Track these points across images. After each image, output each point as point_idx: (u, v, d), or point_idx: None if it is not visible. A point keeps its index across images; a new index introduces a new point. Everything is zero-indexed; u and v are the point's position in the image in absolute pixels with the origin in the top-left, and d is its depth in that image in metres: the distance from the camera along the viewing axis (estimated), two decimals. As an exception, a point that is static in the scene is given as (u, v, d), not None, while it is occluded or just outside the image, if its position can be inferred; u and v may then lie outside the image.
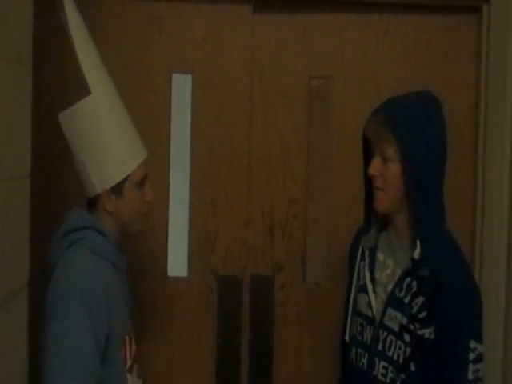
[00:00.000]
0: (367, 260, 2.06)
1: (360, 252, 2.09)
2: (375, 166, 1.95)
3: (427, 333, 1.86)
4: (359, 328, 2.04)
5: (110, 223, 2.03)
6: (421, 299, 1.88)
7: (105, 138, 1.98)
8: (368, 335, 2.00)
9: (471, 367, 1.85)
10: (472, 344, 1.85)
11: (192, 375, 2.65)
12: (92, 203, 2.04)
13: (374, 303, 1.99)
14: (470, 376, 1.85)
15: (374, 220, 2.07)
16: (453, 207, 2.11)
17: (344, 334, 2.14)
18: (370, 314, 2.00)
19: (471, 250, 2.58)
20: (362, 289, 2.06)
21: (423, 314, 1.87)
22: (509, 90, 2.53)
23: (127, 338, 1.99)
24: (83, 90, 1.97)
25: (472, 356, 1.85)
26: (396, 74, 2.62)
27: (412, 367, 1.89)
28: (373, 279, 2.02)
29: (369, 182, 2.03)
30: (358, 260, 2.10)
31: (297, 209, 2.64)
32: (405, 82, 2.58)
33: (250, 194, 2.63)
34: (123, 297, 2.03)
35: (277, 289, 2.63)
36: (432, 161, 1.91)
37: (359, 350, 2.03)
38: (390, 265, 2.00)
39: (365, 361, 2.00)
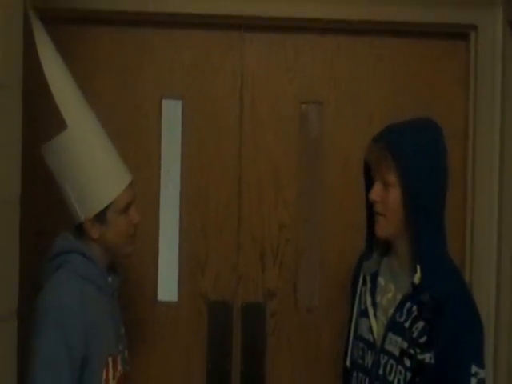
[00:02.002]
0: (368, 285, 2.04)
1: (362, 277, 2.08)
2: (376, 192, 1.94)
3: (428, 357, 1.84)
4: (360, 352, 2.02)
5: (96, 248, 2.03)
6: (421, 324, 1.86)
7: (83, 168, 1.99)
8: (369, 360, 1.98)
9: None
10: (473, 369, 1.83)
11: (182, 401, 2.63)
12: (79, 229, 2.05)
13: (374, 328, 1.98)
14: None
15: (376, 245, 2.06)
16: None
17: (346, 359, 2.12)
18: (371, 339, 1.98)
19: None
20: (364, 313, 2.04)
21: (423, 339, 1.85)
22: (496, 114, 2.56)
23: (110, 359, 1.99)
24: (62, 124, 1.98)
25: (473, 381, 1.83)
26: (386, 99, 2.63)
27: None
28: (374, 304, 2.01)
29: (370, 207, 2.02)
30: (360, 285, 2.09)
31: (288, 234, 2.63)
32: (395, 106, 2.60)
33: (240, 218, 2.62)
34: (109, 318, 2.03)
35: (268, 315, 2.61)
36: (433, 187, 1.91)
37: (360, 375, 2.01)
38: (391, 289, 1.99)
39: None
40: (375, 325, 1.98)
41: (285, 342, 2.62)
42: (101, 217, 1.99)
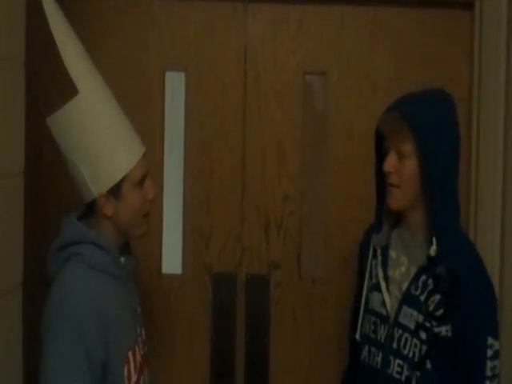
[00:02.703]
0: (379, 258, 2.03)
1: (371, 250, 2.07)
2: (391, 163, 1.92)
3: (444, 330, 1.86)
4: (372, 326, 2.02)
5: (109, 229, 1.90)
6: (437, 297, 1.87)
7: (96, 138, 1.85)
8: (382, 333, 1.98)
9: (489, 364, 1.85)
10: (489, 340, 1.85)
11: (186, 373, 2.64)
12: (89, 209, 1.93)
13: (388, 301, 1.97)
14: (488, 373, 1.84)
15: (386, 217, 2.05)
16: None
17: (353, 332, 2.11)
18: (384, 313, 1.98)
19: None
20: (375, 287, 2.03)
21: (440, 312, 1.86)
22: (501, 84, 2.54)
23: (130, 353, 1.89)
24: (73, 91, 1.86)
25: (490, 353, 1.85)
26: (390, 70, 2.61)
27: (428, 365, 1.88)
28: (386, 277, 2.00)
29: (380, 179, 2.01)
30: (370, 259, 2.07)
31: (292, 206, 2.63)
32: (399, 77, 2.59)
33: (244, 191, 2.62)
34: (127, 306, 1.93)
35: (272, 287, 2.62)
36: (449, 157, 1.91)
37: (372, 349, 2.01)
38: (403, 262, 1.98)
39: (379, 359, 1.98)
40: (388, 298, 1.97)
41: (289, 313, 2.63)
42: (115, 191, 1.86)
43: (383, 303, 1.99)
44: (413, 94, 1.99)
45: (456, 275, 1.85)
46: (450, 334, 1.85)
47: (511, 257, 2.50)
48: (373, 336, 2.02)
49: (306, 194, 2.66)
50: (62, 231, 1.90)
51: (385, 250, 2.03)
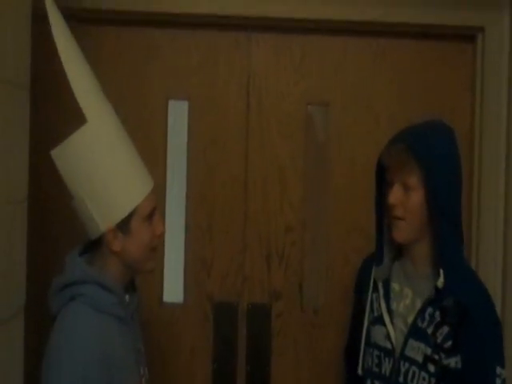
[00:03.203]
0: (381, 291, 2.02)
1: (371, 283, 2.06)
2: (396, 195, 1.92)
3: (453, 362, 1.85)
4: (376, 360, 2.00)
5: (116, 265, 1.83)
6: (445, 329, 1.86)
7: (105, 170, 1.78)
8: (387, 367, 1.96)
9: None
10: (498, 370, 1.86)
11: (188, 403, 2.62)
12: (96, 245, 1.84)
13: (392, 335, 1.96)
14: None
15: (387, 249, 2.04)
16: None
17: (350, 368, 2.11)
18: (389, 346, 1.96)
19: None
20: (378, 321, 2.01)
21: (449, 344, 1.85)
22: (503, 117, 2.55)
23: None
24: (81, 119, 1.79)
25: (498, 382, 1.86)
26: (392, 101, 2.63)
27: None
28: (389, 310, 1.99)
29: (380, 211, 2.01)
30: (371, 291, 2.06)
31: (294, 236, 2.63)
32: (401, 108, 2.60)
33: (246, 219, 2.62)
34: (131, 347, 1.86)
35: (274, 317, 2.61)
36: (453, 188, 1.93)
37: (377, 382, 1.99)
38: (408, 295, 1.97)
39: None
40: (393, 332, 1.96)
41: (290, 343, 2.62)
42: (124, 225, 1.78)
43: (387, 336, 1.97)
44: (415, 126, 2.01)
45: (464, 307, 1.85)
46: (459, 366, 1.85)
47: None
48: (376, 370, 1.99)
49: (307, 224, 2.66)
50: (65, 269, 1.82)
51: (386, 283, 2.02)
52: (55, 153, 1.79)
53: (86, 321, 1.74)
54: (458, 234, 1.95)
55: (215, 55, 2.61)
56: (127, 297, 1.89)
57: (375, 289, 2.05)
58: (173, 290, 2.63)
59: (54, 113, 2.52)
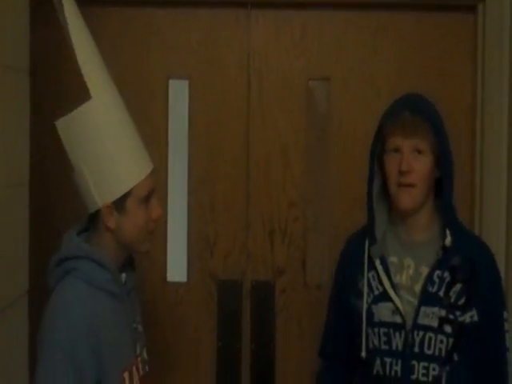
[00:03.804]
0: (380, 268, 2.01)
1: (366, 263, 2.04)
2: (409, 161, 1.93)
3: (468, 317, 1.92)
4: (384, 338, 1.98)
5: (111, 243, 1.84)
6: (458, 286, 1.93)
7: (106, 146, 1.79)
8: (398, 342, 1.96)
9: (507, 336, 1.98)
10: (505, 315, 1.99)
11: (192, 381, 2.64)
12: (93, 219, 1.87)
13: (401, 308, 1.96)
14: (508, 344, 1.98)
15: (379, 225, 2.05)
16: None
17: (359, 350, 2.04)
18: (399, 320, 1.96)
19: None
20: (381, 298, 2.00)
21: (462, 300, 1.93)
22: (505, 88, 2.53)
23: (126, 373, 1.82)
24: (83, 97, 1.80)
25: (506, 326, 1.98)
26: (393, 74, 2.61)
27: (455, 357, 1.93)
28: (392, 285, 1.98)
29: (371, 186, 2.04)
30: (366, 271, 2.04)
31: (297, 212, 2.63)
32: (402, 81, 2.57)
33: (248, 197, 2.62)
34: (126, 325, 1.87)
35: (277, 293, 2.62)
36: (451, 151, 2.01)
37: (387, 360, 1.98)
38: (410, 265, 1.99)
39: (398, 368, 1.95)
40: (401, 305, 1.96)
41: (294, 319, 2.63)
42: (120, 204, 1.79)
43: (396, 311, 1.96)
44: (413, 94, 2.07)
45: (472, 262, 1.94)
46: (475, 319, 1.92)
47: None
48: (386, 347, 1.98)
49: (310, 200, 2.66)
50: (61, 245, 1.85)
51: (383, 258, 2.02)
52: (60, 124, 1.81)
53: (77, 295, 1.76)
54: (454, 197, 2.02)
55: (215, 33, 2.60)
56: (124, 275, 1.91)
57: (371, 267, 2.03)
58: (176, 269, 2.63)
59: (54, 96, 2.49)
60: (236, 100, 2.61)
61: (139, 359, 1.93)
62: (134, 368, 1.88)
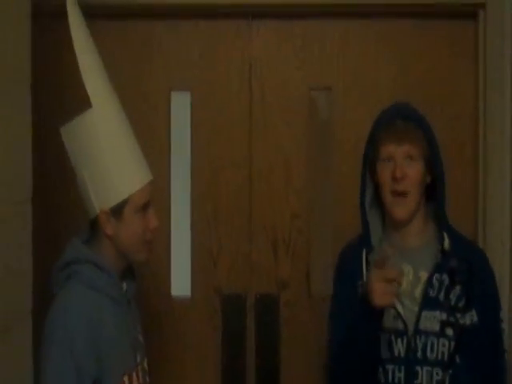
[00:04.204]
0: None
1: (365, 270, 2.03)
2: (402, 168, 1.95)
3: (468, 319, 1.94)
4: (385, 345, 1.98)
5: (110, 250, 1.90)
6: (457, 289, 1.95)
7: (105, 154, 1.86)
8: (400, 348, 1.96)
9: (503, 336, 2.01)
10: (501, 314, 2.02)
11: (197, 395, 2.62)
12: (93, 226, 1.93)
13: (403, 313, 1.96)
14: (505, 345, 2.01)
15: (374, 233, 2.06)
16: (455, 212, 2.19)
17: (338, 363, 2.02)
18: (401, 326, 1.96)
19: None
20: None
21: (462, 302, 1.94)
22: (506, 93, 2.51)
23: (126, 377, 1.86)
24: (85, 106, 1.87)
25: (502, 325, 2.01)
26: (395, 83, 2.60)
27: (457, 360, 1.93)
28: None
29: (364, 194, 2.07)
30: (365, 278, 2.00)
31: (300, 223, 2.61)
32: (404, 90, 2.57)
33: (251, 209, 2.60)
34: (125, 331, 1.91)
35: (282, 306, 2.60)
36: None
37: (389, 367, 1.97)
38: (408, 271, 1.99)
39: (402, 375, 1.95)
40: (402, 310, 1.96)
41: (299, 331, 2.61)
42: (117, 211, 1.85)
43: (398, 316, 1.96)
44: (400, 103, 2.10)
45: (469, 263, 1.96)
46: (475, 319, 1.93)
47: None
48: (388, 354, 1.98)
49: (313, 211, 2.64)
50: (64, 252, 1.90)
51: None
52: (63, 130, 1.90)
53: (78, 296, 1.82)
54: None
55: (216, 44, 2.60)
56: (124, 284, 1.97)
57: None
58: (180, 283, 2.62)
59: (56, 108, 2.47)
60: (238, 110, 2.60)
61: (139, 368, 1.95)
62: (135, 374, 1.91)
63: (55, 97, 2.48)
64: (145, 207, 1.90)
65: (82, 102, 1.87)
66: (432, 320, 1.93)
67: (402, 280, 1.87)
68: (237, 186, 2.60)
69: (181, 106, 2.60)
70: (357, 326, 1.89)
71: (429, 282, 1.95)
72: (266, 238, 2.61)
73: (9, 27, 1.73)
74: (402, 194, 1.96)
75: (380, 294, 1.79)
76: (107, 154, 1.86)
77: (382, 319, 1.88)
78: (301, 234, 2.61)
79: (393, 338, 1.97)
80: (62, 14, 1.89)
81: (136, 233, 1.89)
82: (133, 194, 1.87)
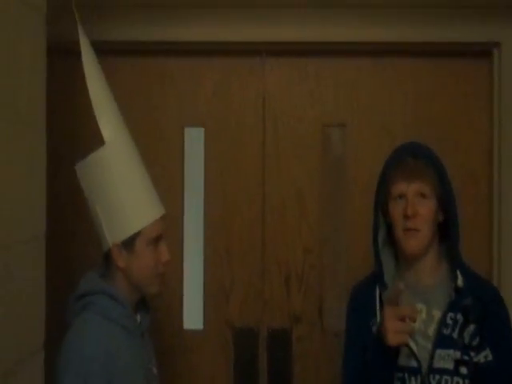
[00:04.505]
0: None
1: (378, 308, 2.03)
2: (414, 206, 1.95)
3: (482, 357, 1.92)
4: (398, 383, 1.98)
5: (123, 282, 1.94)
6: (471, 327, 1.93)
7: (118, 189, 1.91)
8: None
9: None
10: None
11: (209, 430, 2.61)
12: (107, 259, 1.97)
13: (417, 351, 1.95)
14: None
15: (387, 271, 2.06)
16: (470, 249, 2.23)
17: None
18: (415, 364, 1.95)
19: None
20: None
21: (476, 341, 1.92)
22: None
23: None
24: (99, 143, 1.93)
25: None
26: (409, 121, 2.62)
27: None
28: None
29: (377, 233, 2.07)
30: (379, 317, 2.02)
31: (312, 258, 2.62)
32: (417, 128, 2.59)
33: (264, 244, 2.62)
34: (140, 362, 1.93)
35: (294, 341, 2.60)
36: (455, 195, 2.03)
37: None
38: (422, 309, 1.98)
39: None
40: (416, 348, 1.95)
41: (312, 367, 2.61)
42: (129, 244, 1.90)
43: (411, 355, 1.95)
44: (411, 142, 2.11)
45: (483, 302, 1.94)
46: (490, 358, 1.91)
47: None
48: None
49: (326, 246, 2.65)
50: (80, 283, 1.95)
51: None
52: (78, 166, 1.96)
53: (94, 326, 1.85)
54: None
55: (229, 81, 2.63)
56: (138, 316, 2.00)
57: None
58: (193, 316, 2.63)
59: (68, 147, 2.52)
60: (251, 147, 2.63)
61: None
62: None
63: (69, 134, 2.53)
64: (157, 240, 1.94)
65: (96, 139, 1.92)
66: (446, 358, 1.92)
67: (416, 317, 1.85)
68: (250, 219, 2.62)
69: (194, 142, 2.63)
70: (371, 365, 1.89)
71: (442, 320, 1.94)
72: (279, 273, 2.61)
73: (24, 65, 1.76)
74: (413, 230, 1.96)
75: (394, 332, 1.78)
76: (120, 188, 1.92)
77: (397, 358, 1.88)
78: (313, 269, 2.62)
79: (406, 376, 1.96)
80: (73, 51, 1.94)
81: (148, 266, 1.93)
82: (145, 227, 1.92)
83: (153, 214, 1.96)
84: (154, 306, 2.43)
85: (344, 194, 2.65)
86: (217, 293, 2.61)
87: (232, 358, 2.59)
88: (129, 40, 2.52)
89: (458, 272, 1.96)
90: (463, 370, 1.91)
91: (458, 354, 1.91)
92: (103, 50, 2.51)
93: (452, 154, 2.50)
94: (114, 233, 1.91)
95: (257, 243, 2.61)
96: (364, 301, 2.10)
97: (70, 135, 2.54)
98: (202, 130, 2.63)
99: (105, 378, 1.78)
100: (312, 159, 2.63)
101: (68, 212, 2.56)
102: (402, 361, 1.96)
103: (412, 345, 1.95)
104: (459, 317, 1.94)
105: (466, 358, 1.91)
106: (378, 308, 2.04)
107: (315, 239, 2.63)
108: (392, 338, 1.79)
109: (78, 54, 1.96)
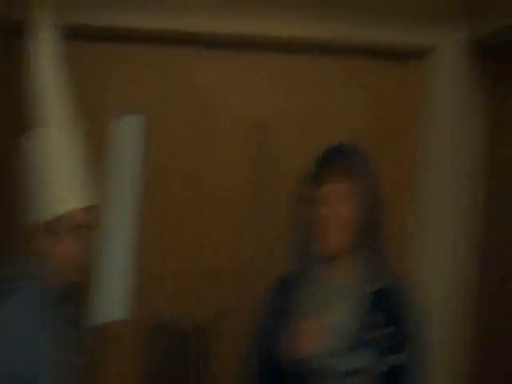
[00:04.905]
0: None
1: (292, 306, 2.04)
2: (336, 207, 1.96)
3: (397, 359, 1.92)
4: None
5: (47, 267, 1.90)
6: (388, 329, 1.93)
7: (52, 170, 1.90)
8: None
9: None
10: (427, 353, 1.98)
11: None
12: (29, 243, 1.93)
13: (327, 354, 1.94)
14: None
15: (305, 269, 2.06)
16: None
17: None
18: (325, 367, 1.95)
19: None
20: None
21: (392, 343, 1.93)
22: (447, 139, 2.60)
23: None
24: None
25: (427, 365, 1.98)
26: (343, 121, 2.66)
27: None
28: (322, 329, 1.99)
29: (296, 233, 2.06)
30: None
31: (241, 253, 2.66)
32: (349, 126, 2.65)
33: (197, 238, 2.65)
34: (58, 356, 1.90)
35: (222, 334, 2.63)
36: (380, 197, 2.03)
37: None
38: (336, 309, 1.99)
39: None
40: (326, 351, 1.94)
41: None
42: (51, 228, 1.88)
43: (321, 357, 1.94)
44: (339, 144, 2.06)
45: (401, 305, 1.96)
46: (402, 359, 1.92)
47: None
48: None
49: (257, 242, 2.67)
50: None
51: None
52: (20, 141, 1.93)
53: (9, 319, 1.81)
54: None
55: (167, 73, 2.63)
56: (62, 305, 1.95)
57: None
58: (119, 307, 2.61)
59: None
60: (186, 145, 2.66)
61: None
62: None
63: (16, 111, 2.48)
64: (78, 229, 1.90)
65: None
66: (361, 360, 1.92)
67: (323, 332, 1.90)
68: (184, 212, 2.65)
69: (132, 129, 2.63)
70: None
71: (360, 321, 1.94)
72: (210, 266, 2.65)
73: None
74: (333, 229, 1.97)
75: (301, 346, 1.85)
76: (54, 171, 1.91)
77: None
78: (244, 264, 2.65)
79: (318, 379, 1.95)
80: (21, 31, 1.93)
81: (68, 252, 1.90)
82: (67, 212, 1.89)
83: (79, 201, 1.92)
84: (81, 294, 2.43)
85: (276, 190, 2.66)
86: (146, 284, 2.60)
87: (160, 348, 2.60)
88: (76, 25, 2.47)
89: (376, 274, 1.97)
90: (378, 371, 1.91)
91: (374, 355, 1.91)
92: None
93: (382, 153, 2.57)
94: (39, 212, 1.89)
95: (189, 236, 2.64)
96: (280, 296, 2.09)
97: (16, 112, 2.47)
98: (141, 117, 2.63)
99: (20, 372, 1.76)
100: (245, 155, 2.65)
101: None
102: (311, 364, 1.95)
103: (323, 347, 1.93)
104: (375, 319, 1.93)
105: (380, 359, 1.91)
106: (293, 304, 2.04)
107: (245, 234, 2.65)
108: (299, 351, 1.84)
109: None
